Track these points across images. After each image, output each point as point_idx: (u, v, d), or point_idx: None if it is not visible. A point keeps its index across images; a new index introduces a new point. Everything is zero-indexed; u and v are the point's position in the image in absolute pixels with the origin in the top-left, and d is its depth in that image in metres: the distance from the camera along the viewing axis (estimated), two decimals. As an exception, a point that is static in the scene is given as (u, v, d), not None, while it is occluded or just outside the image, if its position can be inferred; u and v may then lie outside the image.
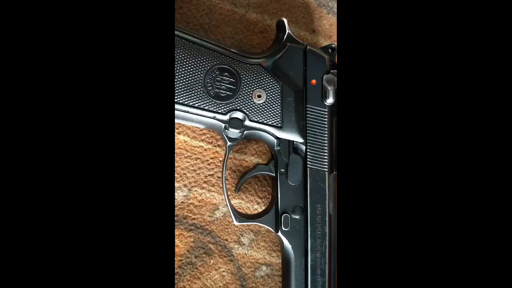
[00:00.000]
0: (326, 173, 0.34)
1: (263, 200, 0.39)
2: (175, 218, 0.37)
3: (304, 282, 0.34)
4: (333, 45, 0.34)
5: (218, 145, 0.38)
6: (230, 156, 0.38)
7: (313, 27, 0.39)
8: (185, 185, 0.37)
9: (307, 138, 0.33)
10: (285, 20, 0.32)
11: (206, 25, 0.37)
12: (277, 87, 0.31)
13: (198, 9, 0.37)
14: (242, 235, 0.39)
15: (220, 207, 0.38)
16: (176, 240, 0.38)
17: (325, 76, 0.32)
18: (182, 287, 0.38)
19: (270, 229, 0.34)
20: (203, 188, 0.38)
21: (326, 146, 0.33)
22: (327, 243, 0.34)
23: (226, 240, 0.39)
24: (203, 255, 0.38)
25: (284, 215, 0.33)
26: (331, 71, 0.33)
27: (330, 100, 0.33)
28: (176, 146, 0.37)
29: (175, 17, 0.36)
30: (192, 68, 0.29)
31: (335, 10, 0.40)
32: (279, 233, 0.34)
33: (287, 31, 0.32)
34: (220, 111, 0.30)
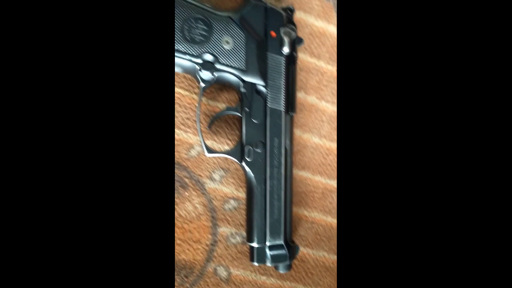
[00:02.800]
0: (283, 112, 0.40)
1: (232, 142, 0.46)
2: (155, 153, 0.43)
3: (264, 206, 0.41)
4: (291, 7, 0.41)
5: (195, 92, 0.44)
6: (204, 102, 0.44)
7: (278, -5, 0.46)
8: (164, 125, 0.43)
9: (268, 81, 0.39)
10: (251, -17, 0.39)
11: (186, -12, 0.43)
12: (242, 36, 0.38)
13: (179, -26, 0.43)
14: (214, 172, 0.45)
15: (195, 146, 0.45)
16: (155, 173, 0.43)
17: (282, 28, 0.39)
18: (160, 215, 0.43)
19: (235, 160, 0.41)
20: (181, 129, 0.44)
21: (283, 89, 0.40)
22: (282, 172, 0.41)
23: (200, 175, 0.45)
24: (179, 188, 0.44)
25: (247, 147, 0.40)
26: (287, 25, 0.40)
27: (286, 50, 0.40)
28: (157, 91, 0.43)
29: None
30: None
31: (297, -17, 0.47)
32: (243, 163, 0.40)
33: (252, -9, 0.39)
34: (195, 53, 0.37)
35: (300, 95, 0.48)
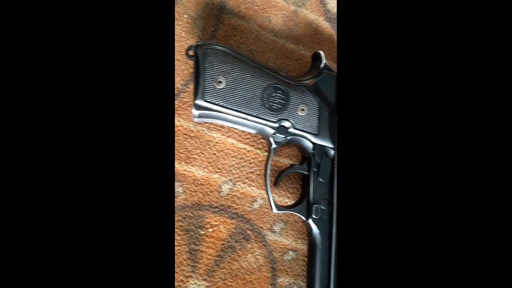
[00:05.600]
0: (349, 172, 0.43)
1: (292, 195, 0.47)
2: (221, 208, 0.45)
3: (328, 262, 0.42)
4: (355, 73, 0.44)
5: (258, 148, 0.46)
6: (266, 156, 0.46)
7: (335, 57, 0.49)
8: (230, 180, 0.45)
9: (336, 143, 0.42)
10: (322, 53, 0.42)
11: (254, 51, 0.46)
12: (316, 104, 0.40)
13: (248, 38, 0.46)
14: (274, 224, 0.47)
15: (257, 199, 0.46)
16: (220, 226, 0.45)
17: (351, 97, 0.42)
18: (223, 267, 0.45)
19: (302, 217, 0.42)
20: (245, 183, 0.45)
21: (349, 151, 0.42)
22: (347, 229, 0.43)
23: (261, 227, 0.46)
24: (242, 240, 0.46)
25: (315, 205, 0.42)
26: (356, 93, 0.42)
27: (354, 115, 0.42)
28: (225, 147, 0.45)
29: (230, 43, 0.45)
30: (254, 85, 0.38)
31: (353, 44, 0.50)
32: (310, 221, 0.42)
33: (323, 61, 0.41)
34: (272, 119, 0.39)
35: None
